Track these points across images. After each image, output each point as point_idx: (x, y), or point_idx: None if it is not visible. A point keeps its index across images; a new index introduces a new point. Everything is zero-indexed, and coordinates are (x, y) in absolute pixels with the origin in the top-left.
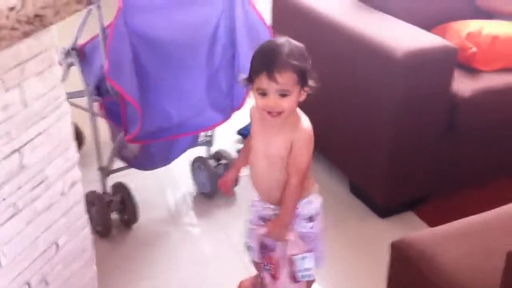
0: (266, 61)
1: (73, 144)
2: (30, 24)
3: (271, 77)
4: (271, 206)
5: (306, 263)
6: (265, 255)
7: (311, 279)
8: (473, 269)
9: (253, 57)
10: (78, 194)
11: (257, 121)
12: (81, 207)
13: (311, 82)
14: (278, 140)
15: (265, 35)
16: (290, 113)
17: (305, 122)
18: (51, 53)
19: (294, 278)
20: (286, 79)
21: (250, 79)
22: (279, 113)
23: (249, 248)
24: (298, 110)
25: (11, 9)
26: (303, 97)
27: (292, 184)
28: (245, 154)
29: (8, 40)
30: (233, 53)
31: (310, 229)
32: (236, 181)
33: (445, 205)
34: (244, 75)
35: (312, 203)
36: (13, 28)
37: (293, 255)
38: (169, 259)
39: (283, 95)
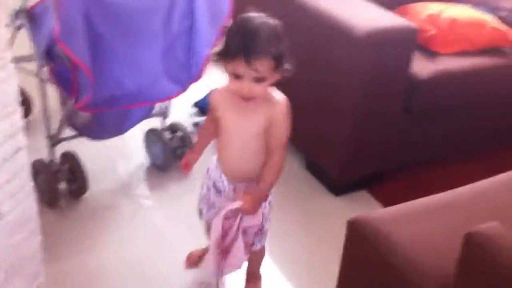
0: (244, 45)
1: (19, 109)
2: None
3: (248, 63)
4: (226, 181)
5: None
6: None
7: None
8: (430, 248)
9: (229, 35)
10: (23, 160)
11: (224, 102)
12: (26, 175)
13: (286, 66)
14: (252, 117)
15: (225, 5)
16: (262, 95)
17: (278, 94)
18: None
19: (247, 249)
20: (263, 66)
21: (224, 59)
22: (252, 98)
23: (200, 212)
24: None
25: None
26: (276, 79)
27: (276, 160)
28: (205, 134)
29: None
30: (191, 23)
31: (263, 208)
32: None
33: (400, 185)
34: (215, 49)
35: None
36: None
37: (250, 226)
38: (119, 231)
39: (259, 80)
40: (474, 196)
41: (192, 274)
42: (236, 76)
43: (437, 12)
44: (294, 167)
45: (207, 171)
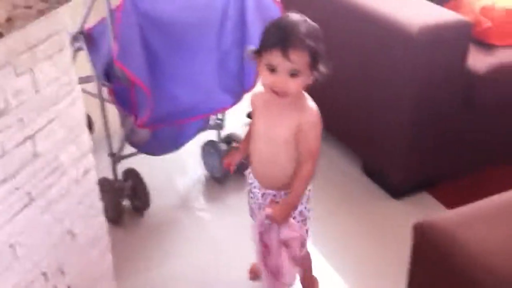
0: (282, 36)
1: (86, 130)
2: (44, 2)
3: (285, 54)
4: (257, 186)
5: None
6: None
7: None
8: (501, 250)
9: (267, 30)
10: (92, 181)
11: (260, 105)
12: (96, 195)
13: (321, 67)
14: (282, 121)
15: (276, 15)
16: (296, 94)
17: (311, 103)
18: (61, 36)
19: (295, 262)
20: (299, 58)
21: (260, 53)
22: (285, 94)
23: (251, 211)
24: (304, 92)
25: None
26: (310, 81)
27: (306, 170)
28: (248, 138)
29: (23, 20)
30: (243, 34)
31: (304, 209)
32: (242, 165)
33: (461, 186)
34: (253, 47)
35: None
36: (27, 7)
37: (292, 238)
38: (181, 245)
39: (293, 74)
40: None
41: (256, 285)
42: (271, 69)
43: (491, 4)
44: (351, 171)
45: (247, 175)
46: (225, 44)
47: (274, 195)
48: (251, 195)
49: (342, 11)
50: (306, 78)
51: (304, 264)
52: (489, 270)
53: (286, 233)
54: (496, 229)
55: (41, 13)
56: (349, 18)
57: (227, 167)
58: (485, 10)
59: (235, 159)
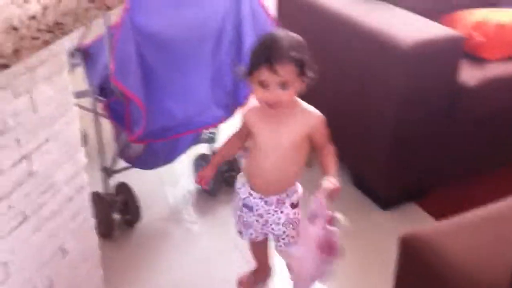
0: (267, 53)
1: (81, 149)
2: (50, 32)
3: (272, 69)
4: (256, 196)
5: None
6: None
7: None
8: (484, 261)
9: (253, 49)
10: (85, 198)
11: (258, 119)
12: (88, 212)
13: (310, 73)
14: (286, 128)
15: (271, 30)
16: (289, 103)
17: (310, 107)
18: (60, 58)
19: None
20: (286, 71)
21: (250, 72)
22: (278, 104)
23: (240, 233)
24: (297, 98)
25: (32, 17)
26: (302, 87)
27: (331, 149)
28: (227, 151)
29: (29, 50)
30: (239, 50)
31: (295, 215)
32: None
33: (449, 196)
34: (243, 67)
35: (298, 191)
36: (34, 38)
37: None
38: (172, 258)
39: (284, 86)
40: None
41: None
42: (262, 85)
43: (484, 19)
44: (342, 183)
45: (236, 192)
46: (220, 60)
47: (278, 199)
48: (245, 210)
49: (336, 25)
50: (297, 87)
51: None
52: (470, 282)
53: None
54: (479, 241)
55: (46, 43)
56: (343, 32)
57: (201, 183)
58: (477, 25)
59: (207, 175)
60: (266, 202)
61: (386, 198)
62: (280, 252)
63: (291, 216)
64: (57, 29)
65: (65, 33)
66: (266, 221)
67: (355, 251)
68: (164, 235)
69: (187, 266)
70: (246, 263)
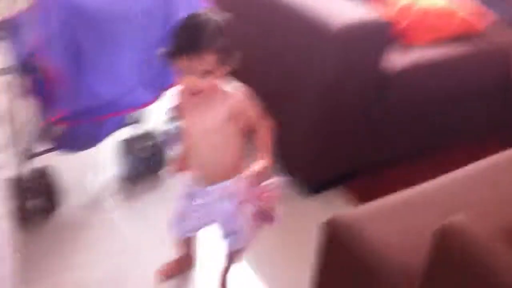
0: (186, 42)
1: None
2: None
3: (192, 58)
4: (198, 186)
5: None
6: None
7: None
8: (403, 246)
9: (174, 34)
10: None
11: (187, 102)
12: (2, 197)
13: (232, 60)
14: (212, 112)
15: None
16: (210, 89)
17: (236, 87)
18: None
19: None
20: (206, 60)
21: (171, 56)
22: (200, 92)
23: (171, 228)
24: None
25: None
26: (224, 72)
27: (265, 127)
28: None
29: None
30: (168, 30)
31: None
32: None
33: (374, 182)
34: (163, 50)
35: (239, 183)
36: None
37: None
38: (92, 247)
39: (205, 74)
40: (444, 190)
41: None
42: (184, 72)
43: (409, 3)
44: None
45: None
46: (149, 40)
47: (222, 189)
48: (189, 200)
49: (264, 6)
50: (219, 73)
51: None
52: (384, 261)
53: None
54: (394, 223)
55: None
56: (270, 13)
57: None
58: (403, 10)
59: (181, 165)
60: (207, 193)
61: (313, 183)
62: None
63: (233, 209)
64: None
65: None
66: (209, 212)
67: (280, 237)
68: (84, 224)
69: (107, 259)
70: (168, 253)
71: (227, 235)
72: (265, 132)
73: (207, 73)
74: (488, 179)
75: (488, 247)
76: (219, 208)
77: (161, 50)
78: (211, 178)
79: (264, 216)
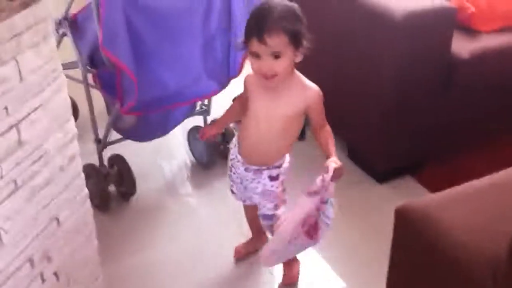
0: (256, 24)
1: (71, 118)
2: None
3: (261, 40)
4: (240, 161)
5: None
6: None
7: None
8: (480, 232)
9: (248, 20)
10: (78, 168)
11: (257, 86)
12: (81, 181)
13: (305, 43)
14: (285, 101)
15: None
16: (285, 75)
17: (310, 83)
18: (46, 24)
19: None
20: (276, 41)
21: (245, 43)
22: (273, 76)
23: (232, 191)
24: (297, 72)
25: None
26: (298, 58)
27: (328, 130)
28: (231, 113)
29: (7, 11)
30: (229, 20)
31: (272, 188)
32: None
33: (444, 169)
34: (240, 39)
35: (282, 166)
36: None
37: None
38: (168, 230)
39: (276, 56)
40: None
41: (241, 267)
42: (255, 56)
43: None
44: (338, 155)
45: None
46: (210, 30)
47: (258, 169)
48: (233, 170)
49: None
50: (291, 57)
51: None
52: (462, 246)
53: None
54: (473, 212)
55: (24, 5)
56: (336, 3)
57: (202, 137)
58: None
59: (211, 131)
60: (246, 169)
61: (382, 171)
62: (260, 218)
63: (268, 188)
64: None
65: None
66: (246, 187)
67: (351, 224)
68: (159, 208)
69: (184, 239)
70: (243, 236)
71: (261, 209)
72: (329, 134)
73: (277, 55)
74: None
75: None
76: (254, 187)
77: (238, 40)
78: (255, 158)
79: (313, 228)
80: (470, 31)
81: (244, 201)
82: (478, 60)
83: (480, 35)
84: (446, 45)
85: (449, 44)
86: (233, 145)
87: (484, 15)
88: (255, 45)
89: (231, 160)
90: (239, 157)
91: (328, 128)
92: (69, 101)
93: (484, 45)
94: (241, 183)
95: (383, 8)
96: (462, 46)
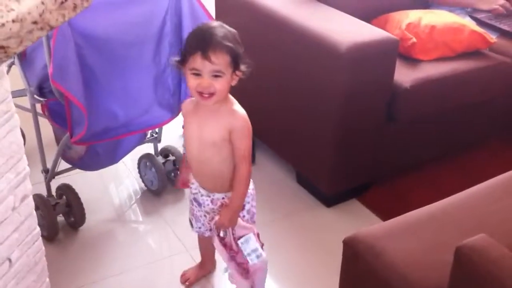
0: (201, 41)
1: (24, 157)
2: None
3: (205, 56)
4: (204, 193)
5: (251, 244)
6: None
7: (261, 258)
8: (423, 263)
9: (188, 38)
10: (30, 207)
11: (190, 111)
12: (33, 221)
13: (243, 67)
14: (212, 125)
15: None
16: (221, 96)
17: (240, 109)
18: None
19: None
20: (220, 59)
21: (183, 60)
22: (211, 95)
23: (191, 223)
24: (231, 97)
25: None
26: (234, 81)
27: (242, 171)
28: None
29: None
30: (179, 50)
31: (251, 207)
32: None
33: (388, 192)
34: (176, 57)
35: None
36: None
37: (241, 237)
38: (118, 259)
39: (217, 76)
40: (462, 207)
41: None
42: (195, 74)
43: (417, 20)
44: (286, 181)
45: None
46: (162, 61)
47: (223, 198)
48: (195, 204)
49: (274, 26)
50: (229, 79)
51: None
52: (405, 280)
53: (239, 231)
54: (414, 241)
55: None
56: (280, 33)
57: (182, 187)
58: (410, 27)
59: (185, 178)
60: (212, 201)
61: (329, 196)
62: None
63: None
64: (1, 53)
65: (8, 55)
66: (213, 218)
67: (299, 248)
68: (109, 237)
69: (135, 269)
70: (194, 262)
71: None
72: (241, 178)
73: (219, 75)
74: (506, 193)
75: (503, 265)
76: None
77: (174, 58)
78: (209, 185)
79: (244, 269)
80: (411, 60)
81: (204, 232)
82: (419, 88)
83: (420, 64)
84: (389, 75)
85: (392, 74)
86: (193, 179)
87: (424, 45)
88: (198, 62)
89: (193, 194)
90: (202, 191)
91: (243, 170)
92: (21, 140)
93: (424, 75)
94: (207, 215)
95: (327, 39)
96: (404, 76)
